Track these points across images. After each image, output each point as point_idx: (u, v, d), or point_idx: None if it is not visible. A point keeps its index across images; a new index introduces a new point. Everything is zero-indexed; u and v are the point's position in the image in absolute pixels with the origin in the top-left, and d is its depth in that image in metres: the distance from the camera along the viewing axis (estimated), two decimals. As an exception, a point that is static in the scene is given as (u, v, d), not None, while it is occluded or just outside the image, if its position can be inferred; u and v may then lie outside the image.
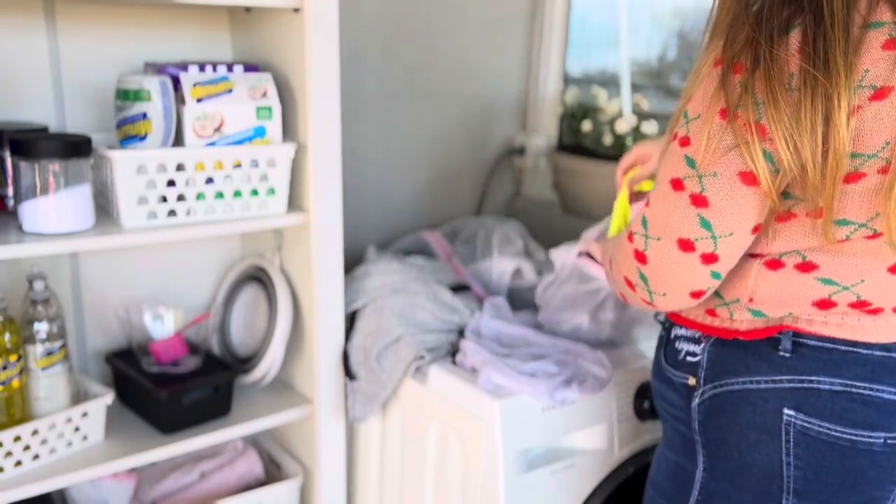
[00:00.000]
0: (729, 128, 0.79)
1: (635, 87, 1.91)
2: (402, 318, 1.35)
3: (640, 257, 0.90)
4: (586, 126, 1.87)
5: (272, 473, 1.53)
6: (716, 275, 0.87)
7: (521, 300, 1.55)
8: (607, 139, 1.82)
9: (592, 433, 1.28)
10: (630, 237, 0.91)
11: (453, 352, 1.32)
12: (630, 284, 0.93)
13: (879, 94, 0.75)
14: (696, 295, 0.90)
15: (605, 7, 1.98)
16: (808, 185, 0.78)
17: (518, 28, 1.96)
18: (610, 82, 1.96)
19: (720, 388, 0.94)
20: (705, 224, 0.83)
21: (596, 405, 1.27)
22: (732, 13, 0.84)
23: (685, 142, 0.83)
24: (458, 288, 1.49)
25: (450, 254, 1.66)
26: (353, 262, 1.73)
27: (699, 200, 0.83)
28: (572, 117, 1.94)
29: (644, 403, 1.29)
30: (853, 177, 0.78)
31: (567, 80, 2.01)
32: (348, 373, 1.37)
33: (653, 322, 1.26)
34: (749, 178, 0.79)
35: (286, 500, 1.44)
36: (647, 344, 1.40)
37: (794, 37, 0.76)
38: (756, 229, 0.85)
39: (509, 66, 1.97)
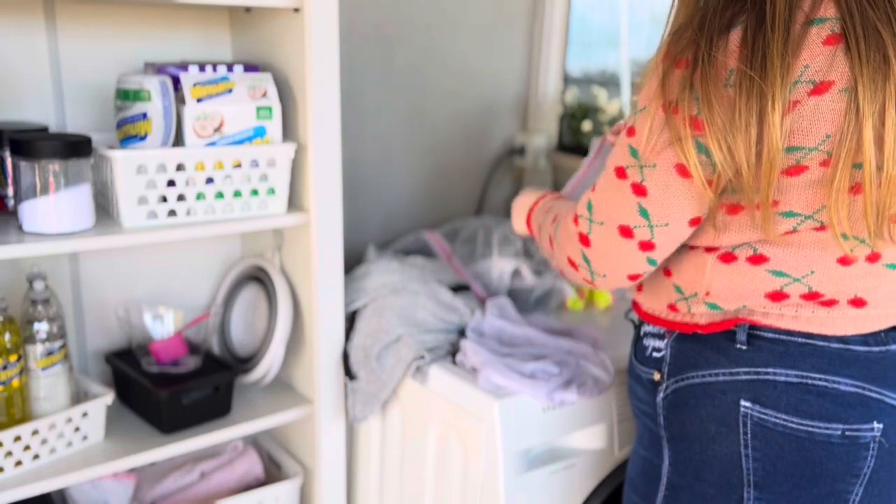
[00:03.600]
0: (669, 121, 0.81)
1: (635, 87, 1.91)
2: (402, 318, 1.35)
3: (584, 240, 0.94)
4: (586, 126, 1.87)
5: (272, 473, 1.53)
6: (652, 261, 0.91)
7: (521, 300, 1.55)
8: (607, 139, 1.82)
9: (592, 433, 1.28)
10: (576, 220, 0.95)
11: (453, 352, 1.32)
12: (573, 264, 0.98)
13: (819, 88, 0.76)
14: (633, 277, 0.95)
15: (605, 7, 1.98)
16: (742, 183, 0.80)
17: (518, 28, 1.96)
18: (610, 82, 1.96)
19: (682, 381, 0.95)
20: (643, 213, 0.87)
21: (596, 405, 1.27)
22: (687, 14, 0.85)
23: (631, 132, 0.86)
24: (458, 288, 1.49)
25: (450, 254, 1.66)
26: (353, 262, 1.73)
27: (639, 189, 0.86)
28: (572, 117, 1.94)
29: (644, 403, 1.29)
30: (795, 170, 0.80)
31: (567, 80, 2.01)
32: (348, 373, 1.37)
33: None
34: (685, 172, 0.82)
35: (286, 500, 1.44)
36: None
37: (735, 36, 0.78)
38: (694, 222, 0.87)
39: (509, 66, 1.97)
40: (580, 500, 1.28)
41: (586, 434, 1.28)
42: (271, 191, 1.29)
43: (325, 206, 1.31)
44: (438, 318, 1.38)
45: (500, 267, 1.56)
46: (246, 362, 1.44)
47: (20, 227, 1.12)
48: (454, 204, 1.96)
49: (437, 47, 1.82)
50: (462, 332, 1.38)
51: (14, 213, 1.14)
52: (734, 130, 0.77)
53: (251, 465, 1.48)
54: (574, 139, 1.95)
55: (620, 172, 0.87)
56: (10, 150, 1.09)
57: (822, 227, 0.83)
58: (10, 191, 1.16)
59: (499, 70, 1.96)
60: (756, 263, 0.88)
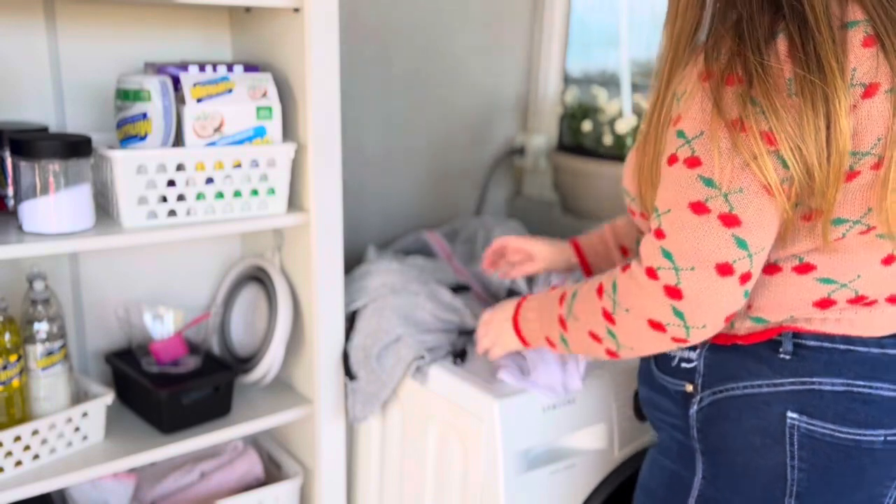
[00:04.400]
0: (738, 141, 0.77)
1: (635, 87, 1.91)
2: (402, 318, 1.35)
3: (673, 293, 0.84)
4: (586, 126, 1.87)
5: (272, 473, 1.53)
6: (747, 294, 0.85)
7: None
8: (607, 139, 1.82)
9: (592, 433, 1.28)
10: (652, 274, 0.85)
11: (453, 352, 1.32)
12: (659, 326, 0.87)
13: (868, 91, 0.76)
14: (728, 319, 0.87)
15: (605, 7, 1.98)
16: (815, 189, 0.78)
17: (518, 28, 1.96)
18: (610, 82, 1.96)
19: (720, 393, 0.93)
20: (741, 243, 0.80)
21: (596, 405, 1.27)
22: (691, 21, 0.84)
23: (694, 162, 0.80)
24: (458, 288, 1.49)
25: (450, 254, 1.66)
26: (353, 262, 1.73)
27: (730, 220, 0.79)
28: (572, 117, 1.94)
29: (644, 403, 1.29)
30: (850, 175, 0.79)
31: (567, 80, 2.01)
32: (348, 373, 1.37)
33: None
34: (770, 190, 0.78)
35: (286, 500, 1.44)
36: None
37: (781, 44, 0.76)
38: (775, 239, 0.84)
39: (509, 66, 1.97)
40: (580, 500, 1.28)
41: (586, 434, 1.28)
42: (271, 191, 1.29)
43: (325, 206, 1.31)
44: (438, 318, 1.38)
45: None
46: (246, 362, 1.44)
47: (20, 227, 1.12)
48: (454, 204, 1.96)
49: (437, 47, 1.82)
50: (462, 332, 1.38)
51: (14, 213, 1.14)
52: (805, 136, 0.75)
53: (251, 465, 1.48)
54: (574, 139, 1.95)
55: (699, 207, 0.80)
56: (10, 150, 1.09)
57: (867, 231, 0.82)
58: (10, 191, 1.16)
59: (499, 70, 1.96)
60: (803, 273, 0.86)
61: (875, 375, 0.87)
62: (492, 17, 1.90)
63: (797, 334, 0.89)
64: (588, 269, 1.33)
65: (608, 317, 0.92)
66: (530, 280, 1.55)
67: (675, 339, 0.88)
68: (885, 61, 0.75)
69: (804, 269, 0.86)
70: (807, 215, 0.82)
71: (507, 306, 1.15)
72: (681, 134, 0.82)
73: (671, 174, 0.83)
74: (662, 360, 1.00)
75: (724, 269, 0.81)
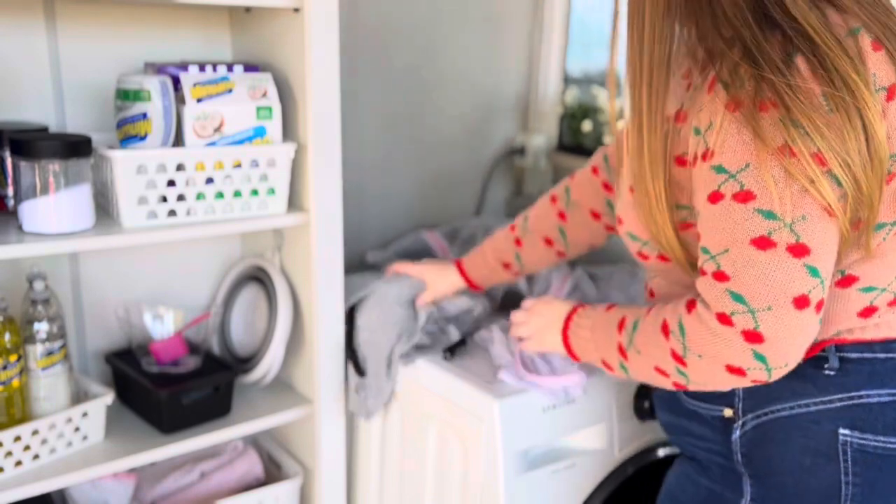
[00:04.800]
0: (792, 166, 0.75)
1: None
2: (406, 306, 1.34)
3: (754, 337, 0.80)
4: (586, 126, 1.87)
5: (272, 473, 1.52)
6: (820, 321, 0.81)
7: (515, 303, 1.55)
8: (607, 139, 1.82)
9: (592, 433, 1.28)
10: (726, 320, 0.81)
11: (447, 347, 1.32)
12: (738, 371, 0.83)
13: (891, 93, 0.77)
14: (808, 351, 0.84)
15: (605, 7, 1.98)
16: (862, 199, 0.77)
17: (518, 28, 1.96)
18: (610, 82, 1.95)
19: (764, 416, 0.91)
20: (813, 272, 0.77)
21: (596, 405, 1.27)
22: (670, 50, 0.82)
23: (746, 196, 0.77)
24: None
25: (449, 254, 1.66)
26: (353, 262, 1.73)
27: (799, 250, 0.77)
28: (572, 117, 1.94)
29: (644, 403, 1.29)
30: (888, 179, 0.79)
31: (567, 80, 2.01)
32: (358, 369, 1.37)
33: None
34: (839, 208, 0.76)
35: (286, 500, 1.44)
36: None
37: (801, 63, 0.75)
38: None
39: (509, 66, 1.97)
40: (580, 500, 1.28)
41: (586, 434, 1.27)
42: (271, 191, 1.29)
43: (325, 206, 1.31)
44: (441, 307, 1.38)
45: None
46: (246, 362, 1.44)
47: (20, 227, 1.12)
48: (454, 204, 1.95)
49: (437, 47, 1.82)
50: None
51: (14, 213, 1.14)
52: (850, 150, 0.74)
53: (251, 465, 1.48)
54: (574, 139, 1.95)
55: (764, 242, 0.77)
56: (10, 150, 1.09)
57: None
58: (10, 191, 1.16)
59: (499, 70, 1.95)
60: (846, 286, 0.85)
61: None
62: (492, 17, 1.90)
63: (839, 347, 0.87)
64: (477, 289, 1.36)
65: (678, 359, 0.87)
66: (530, 278, 1.55)
67: (755, 381, 0.84)
68: (892, 62, 0.76)
69: (846, 282, 0.85)
70: (855, 225, 0.80)
71: (558, 309, 1.11)
72: (720, 169, 0.78)
73: (718, 212, 0.79)
74: None
75: (802, 302, 0.78)
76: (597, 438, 1.28)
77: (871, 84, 0.75)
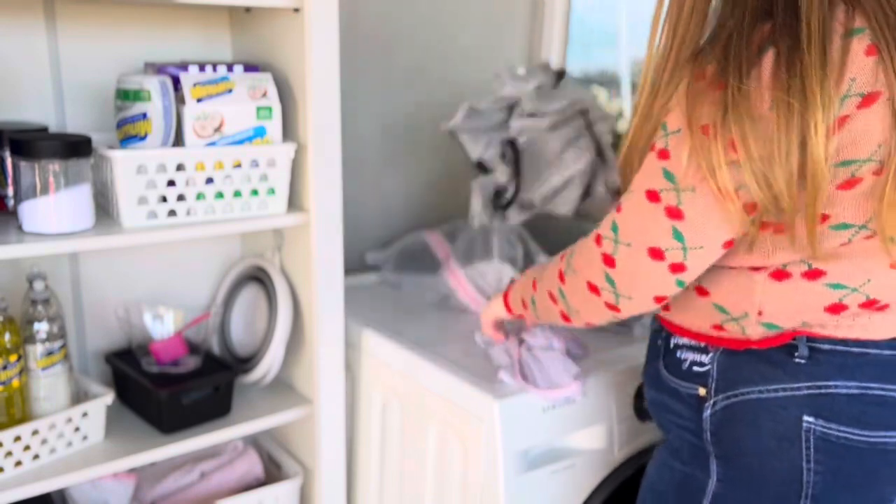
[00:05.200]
0: (706, 146, 0.78)
1: (635, 87, 1.91)
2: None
3: (609, 260, 0.91)
4: (586, 126, 1.86)
5: (272, 473, 1.53)
6: (681, 283, 0.89)
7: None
8: (607, 139, 1.82)
9: (592, 433, 1.28)
10: (598, 240, 0.92)
11: None
12: (595, 289, 0.94)
13: (867, 100, 0.75)
14: (659, 299, 0.91)
15: (605, 7, 1.98)
16: (783, 211, 0.79)
17: (518, 28, 1.96)
18: (610, 82, 1.96)
19: (734, 398, 0.93)
20: (678, 236, 0.84)
21: (596, 405, 1.27)
22: (699, 18, 0.84)
23: (664, 154, 0.83)
24: None
25: (449, 254, 1.66)
26: (353, 262, 1.73)
27: (674, 213, 0.83)
28: (572, 117, 1.94)
29: (644, 403, 1.29)
30: (850, 183, 0.79)
31: (567, 80, 2.01)
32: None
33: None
34: (728, 197, 0.79)
35: (286, 500, 1.44)
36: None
37: (767, 61, 0.76)
38: (728, 244, 0.85)
39: (509, 65, 1.97)
40: (580, 500, 1.28)
41: (586, 434, 1.28)
42: (271, 191, 1.29)
43: (325, 206, 1.31)
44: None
45: (499, 271, 1.55)
46: (246, 362, 1.44)
47: (20, 227, 1.12)
48: (454, 204, 1.95)
49: (437, 47, 1.82)
50: None
51: (14, 213, 1.14)
52: (772, 162, 0.76)
53: (251, 465, 1.48)
54: (574, 139, 1.95)
55: (652, 195, 0.85)
56: (10, 150, 1.09)
57: (872, 235, 0.82)
58: (10, 191, 1.16)
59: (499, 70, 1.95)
60: (813, 279, 0.86)
61: (886, 377, 0.87)
62: (492, 17, 1.90)
63: (811, 339, 0.89)
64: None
65: (561, 277, 0.99)
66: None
67: (608, 305, 0.94)
68: (887, 70, 0.75)
69: (813, 274, 0.86)
70: (775, 227, 0.83)
71: (497, 296, 1.23)
72: (664, 126, 0.84)
73: (647, 160, 0.87)
74: (672, 362, 1.00)
75: (656, 254, 0.86)
76: (597, 438, 1.28)
77: (838, 90, 0.75)
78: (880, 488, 0.89)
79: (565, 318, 1.03)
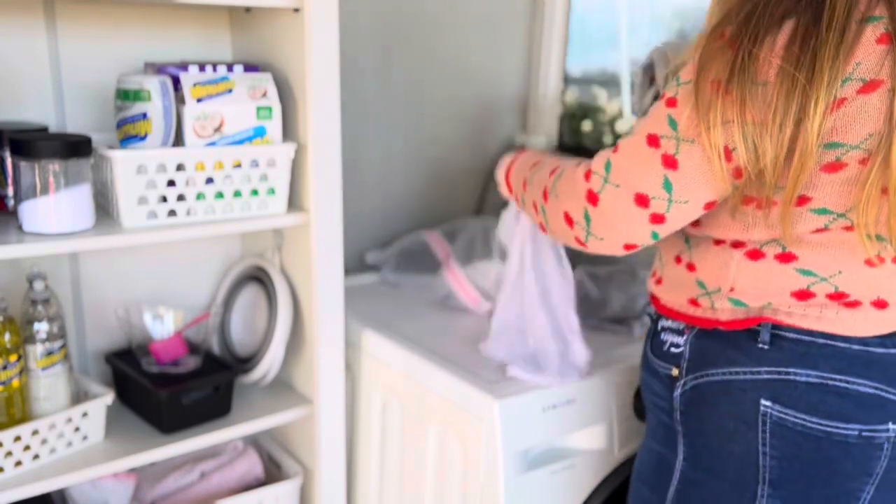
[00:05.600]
0: (716, 101, 0.79)
1: (635, 87, 1.91)
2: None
3: (592, 198, 0.91)
4: (586, 126, 1.87)
5: (272, 473, 1.53)
6: (655, 235, 0.91)
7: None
8: (607, 139, 1.82)
9: (592, 433, 1.28)
10: (587, 175, 0.92)
11: None
12: (569, 220, 0.95)
13: (868, 87, 0.76)
14: (629, 247, 0.94)
15: (605, 7, 1.98)
16: (765, 181, 0.80)
17: (518, 28, 1.96)
18: (610, 82, 1.96)
19: (701, 378, 0.95)
20: (667, 186, 0.85)
21: (596, 405, 1.27)
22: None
23: (672, 102, 0.85)
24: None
25: (449, 254, 1.66)
26: (353, 262, 1.73)
27: (670, 162, 0.84)
28: (572, 117, 1.95)
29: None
30: (834, 166, 0.79)
31: (567, 80, 2.01)
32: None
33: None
34: (717, 154, 0.81)
35: (286, 500, 1.44)
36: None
37: (784, 32, 0.77)
38: (709, 205, 0.87)
39: (509, 66, 1.97)
40: (580, 500, 1.28)
41: (586, 434, 1.28)
42: (271, 191, 1.29)
43: (325, 206, 1.31)
44: None
45: (500, 272, 1.55)
46: (246, 362, 1.44)
47: (20, 227, 1.12)
48: (454, 204, 1.96)
49: (437, 47, 1.82)
50: None
51: (14, 213, 1.14)
52: (763, 131, 0.77)
53: (251, 465, 1.48)
54: (574, 139, 1.95)
55: (653, 140, 0.86)
56: (10, 150, 1.09)
57: (851, 227, 0.83)
58: (10, 191, 1.16)
59: (499, 70, 1.96)
60: (784, 261, 0.88)
61: (852, 370, 0.88)
62: (492, 17, 1.90)
63: (776, 326, 0.91)
64: None
65: (545, 195, 1.01)
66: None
67: (577, 239, 0.96)
68: (895, 61, 0.75)
69: (786, 257, 0.88)
70: (758, 202, 0.84)
71: (505, 159, 1.25)
72: (677, 78, 0.85)
73: (656, 107, 0.87)
74: (656, 344, 1.03)
75: (641, 200, 0.87)
76: (597, 438, 1.28)
77: (842, 71, 0.75)
78: (844, 482, 0.89)
79: (542, 228, 1.05)
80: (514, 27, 1.95)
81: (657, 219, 0.88)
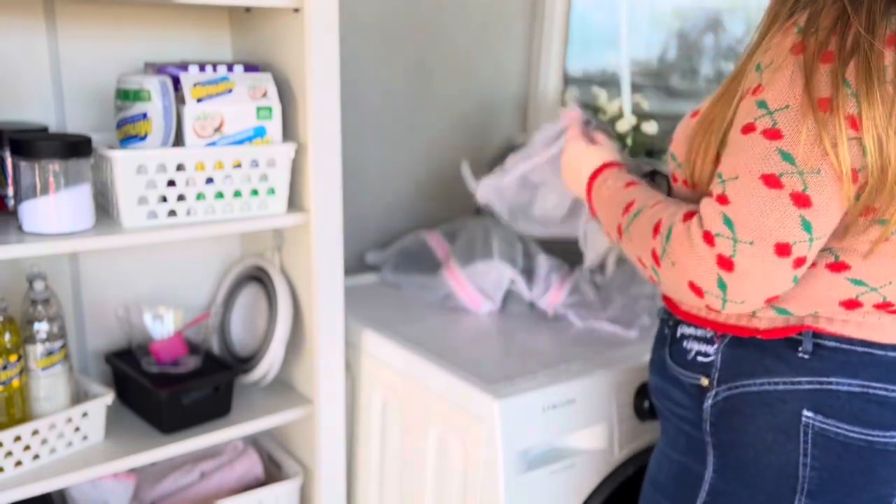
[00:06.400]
0: (829, 122, 0.75)
1: (635, 87, 1.91)
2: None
3: (726, 263, 0.81)
4: (586, 126, 1.86)
5: (272, 473, 1.53)
6: (796, 279, 0.82)
7: (516, 302, 1.55)
8: (607, 139, 1.82)
9: (592, 433, 1.28)
10: (709, 239, 0.81)
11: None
12: (697, 290, 0.84)
13: None
14: (771, 300, 0.84)
15: (605, 7, 1.98)
16: (885, 186, 0.76)
17: (518, 28, 1.96)
18: (610, 82, 1.96)
19: (735, 389, 0.92)
20: (806, 226, 0.78)
21: (596, 405, 1.27)
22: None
23: (775, 134, 0.78)
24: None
25: (449, 254, 1.66)
26: (353, 262, 1.73)
27: (802, 200, 0.77)
28: (572, 117, 1.94)
29: (644, 403, 1.29)
30: None
31: (567, 80, 2.01)
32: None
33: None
34: (850, 176, 0.76)
35: (286, 500, 1.44)
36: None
37: (892, 25, 0.74)
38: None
39: (509, 65, 1.97)
40: (580, 500, 1.28)
41: (586, 434, 1.28)
42: (271, 191, 1.29)
43: (325, 206, 1.31)
44: None
45: (500, 272, 1.55)
46: (246, 362, 1.44)
47: (20, 227, 1.12)
48: (454, 204, 1.95)
49: (437, 47, 1.82)
50: None
51: (14, 213, 1.14)
52: (890, 129, 0.73)
53: (251, 465, 1.48)
54: (574, 139, 1.95)
55: (772, 181, 0.77)
56: (10, 150, 1.09)
57: None
58: (10, 191, 1.16)
59: (499, 70, 1.96)
60: (836, 271, 0.85)
61: (890, 378, 0.87)
62: (492, 17, 1.90)
63: (817, 334, 0.88)
64: None
65: (656, 258, 0.88)
66: (529, 279, 1.55)
67: (710, 307, 0.86)
68: None
69: (838, 267, 0.85)
70: (867, 211, 0.80)
71: (590, 162, 1.11)
72: (762, 104, 0.79)
73: (745, 142, 0.80)
74: (677, 351, 1.00)
75: (783, 250, 0.78)
76: (597, 438, 1.28)
77: None
78: (877, 488, 0.89)
79: (653, 281, 0.92)
80: (514, 27, 1.95)
81: (799, 262, 0.80)
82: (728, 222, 0.80)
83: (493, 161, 1.98)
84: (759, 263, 0.79)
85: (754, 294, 0.82)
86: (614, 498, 1.31)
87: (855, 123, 0.74)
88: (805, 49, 0.77)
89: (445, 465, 1.29)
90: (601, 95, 1.88)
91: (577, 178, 1.13)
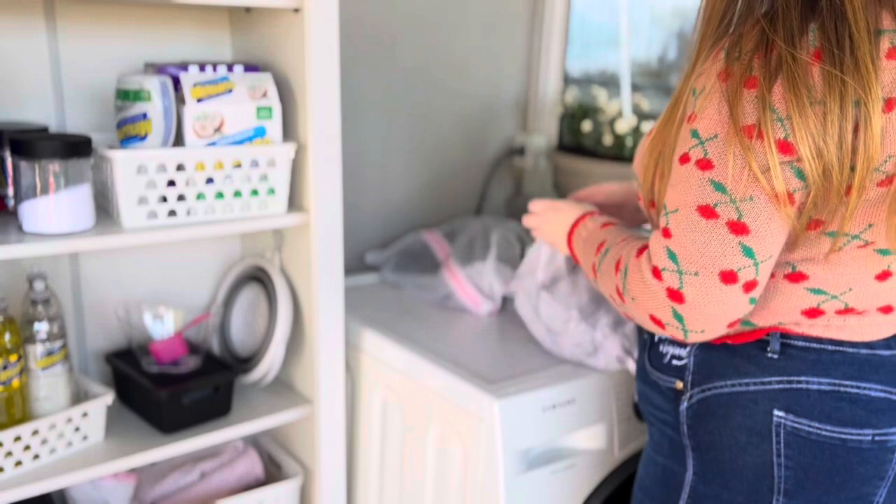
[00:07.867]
0: (757, 148, 0.74)
1: (635, 87, 1.91)
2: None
3: (675, 296, 0.82)
4: (586, 126, 1.87)
5: (272, 473, 1.53)
6: (753, 301, 0.83)
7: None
8: (607, 139, 1.82)
9: (592, 433, 1.28)
10: (657, 274, 0.83)
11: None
12: (659, 323, 0.86)
13: (889, 105, 0.74)
14: (732, 324, 0.86)
15: (605, 7, 1.98)
16: (831, 193, 0.76)
17: (518, 28, 1.96)
18: (610, 82, 1.96)
19: (708, 391, 0.93)
20: (748, 252, 0.79)
21: (596, 405, 1.27)
22: (728, 16, 0.82)
23: (706, 165, 0.78)
24: None
25: (449, 254, 1.66)
26: (353, 262, 1.73)
27: (738, 228, 0.78)
28: (572, 117, 1.95)
29: (644, 403, 1.29)
30: (850, 189, 0.78)
31: (567, 80, 2.01)
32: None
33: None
34: (785, 199, 0.76)
35: (286, 500, 1.44)
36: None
37: (813, 38, 0.74)
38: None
39: (509, 66, 1.97)
40: (580, 500, 1.28)
41: (586, 434, 1.28)
42: (271, 191, 1.29)
43: (325, 206, 1.31)
44: None
45: (499, 271, 1.55)
46: (246, 362, 1.44)
47: (20, 227, 1.12)
48: (454, 204, 1.96)
49: (437, 47, 1.82)
50: None
51: (14, 213, 1.14)
52: (826, 136, 0.73)
53: (251, 465, 1.48)
54: (574, 139, 1.96)
55: (707, 212, 0.78)
56: (10, 150, 1.09)
57: (864, 245, 0.82)
58: (10, 191, 1.16)
59: (499, 70, 1.96)
60: (795, 281, 0.86)
61: (863, 376, 0.87)
62: (492, 18, 1.90)
63: (785, 335, 0.89)
64: None
65: (620, 295, 0.91)
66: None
67: (673, 336, 0.88)
68: None
69: (796, 277, 0.86)
70: (814, 224, 0.81)
71: (566, 217, 1.14)
72: (695, 134, 0.80)
73: (682, 173, 0.81)
74: (654, 356, 1.01)
75: (729, 277, 0.80)
76: (597, 438, 1.28)
77: (879, 79, 0.73)
78: (857, 487, 0.89)
79: (628, 317, 0.95)
80: (513, 27, 1.95)
81: (750, 286, 0.81)
82: (672, 256, 0.82)
83: (493, 161, 1.98)
84: (707, 293, 0.81)
85: (712, 322, 0.84)
86: (614, 498, 1.31)
87: (785, 147, 0.74)
88: (729, 76, 0.76)
89: (445, 465, 1.29)
90: (601, 95, 1.89)
91: (556, 235, 1.16)
